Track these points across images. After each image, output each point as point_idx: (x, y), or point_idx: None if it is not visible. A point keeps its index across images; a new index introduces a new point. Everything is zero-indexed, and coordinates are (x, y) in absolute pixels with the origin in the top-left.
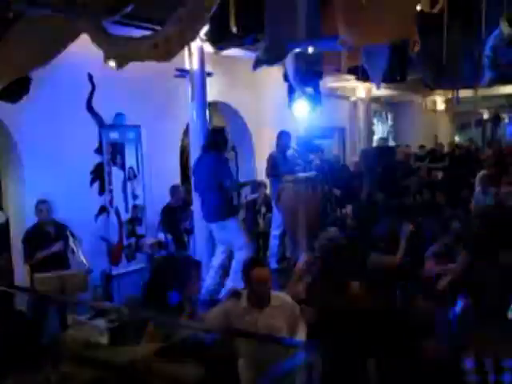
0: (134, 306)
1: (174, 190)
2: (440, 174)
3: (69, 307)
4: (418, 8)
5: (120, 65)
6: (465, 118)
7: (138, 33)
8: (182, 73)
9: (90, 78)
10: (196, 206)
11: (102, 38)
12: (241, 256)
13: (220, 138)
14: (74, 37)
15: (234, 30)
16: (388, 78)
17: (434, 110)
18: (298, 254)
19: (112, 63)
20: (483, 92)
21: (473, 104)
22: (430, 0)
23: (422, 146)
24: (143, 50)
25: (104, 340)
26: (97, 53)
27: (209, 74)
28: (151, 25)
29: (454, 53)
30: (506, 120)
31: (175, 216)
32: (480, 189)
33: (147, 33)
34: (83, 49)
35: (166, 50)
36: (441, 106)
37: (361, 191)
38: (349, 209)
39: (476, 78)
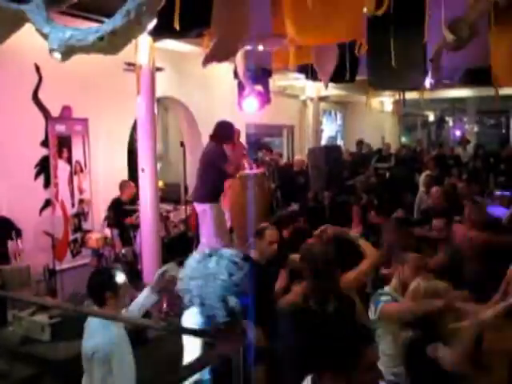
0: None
1: (124, 184)
2: (386, 174)
3: (9, 303)
4: (365, 10)
5: (65, 56)
6: (411, 119)
7: (84, 24)
8: (132, 67)
9: (37, 68)
10: (143, 200)
11: (47, 29)
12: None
13: (222, 130)
14: (18, 25)
15: (177, 25)
16: (337, 78)
17: (382, 111)
18: (245, 250)
19: (57, 55)
20: (429, 95)
21: (419, 106)
22: (375, 2)
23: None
24: (89, 42)
25: (46, 336)
26: (44, 43)
27: (159, 69)
28: (98, 16)
29: (399, 55)
30: (450, 123)
31: (122, 210)
32: (424, 189)
33: (94, 24)
34: (30, 38)
35: (113, 43)
36: (388, 107)
37: (304, 189)
38: (294, 207)
39: (420, 81)
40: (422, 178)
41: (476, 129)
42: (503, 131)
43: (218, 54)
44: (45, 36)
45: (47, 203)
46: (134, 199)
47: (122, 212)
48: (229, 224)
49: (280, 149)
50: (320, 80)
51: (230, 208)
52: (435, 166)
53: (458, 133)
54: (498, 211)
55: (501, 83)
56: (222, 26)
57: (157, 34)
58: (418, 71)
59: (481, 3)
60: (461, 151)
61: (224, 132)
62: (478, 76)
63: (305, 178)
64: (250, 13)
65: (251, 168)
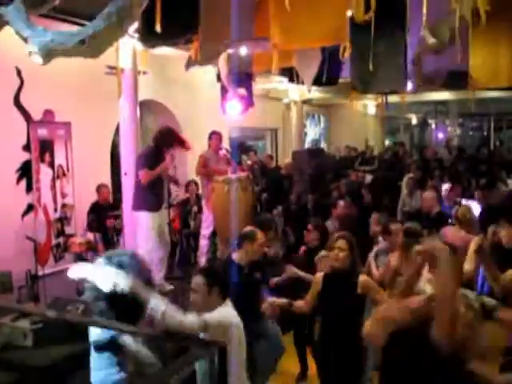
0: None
1: (98, 188)
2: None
3: None
4: (349, 14)
5: (46, 60)
6: (394, 122)
7: (65, 27)
8: (114, 70)
9: (19, 72)
10: (126, 204)
11: (28, 32)
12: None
13: (161, 136)
14: None
15: (159, 29)
16: (320, 81)
17: (365, 114)
18: (229, 254)
19: (37, 58)
20: (411, 98)
21: (401, 109)
22: (362, 7)
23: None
24: (70, 45)
25: (28, 342)
26: (25, 46)
27: (143, 73)
28: (79, 20)
29: (381, 59)
30: (433, 126)
31: (103, 214)
32: (407, 192)
33: (75, 28)
34: (11, 42)
35: (94, 46)
36: (371, 110)
37: (291, 192)
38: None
39: (402, 84)
40: (404, 181)
41: (458, 131)
42: (485, 134)
43: (200, 57)
44: (25, 39)
45: (29, 208)
46: (115, 203)
47: (103, 216)
48: (212, 227)
49: (263, 152)
50: (303, 83)
51: (214, 211)
52: (417, 168)
53: (440, 135)
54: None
55: (479, 86)
56: (205, 30)
57: (150, 43)
58: (400, 74)
59: (461, 7)
60: (446, 154)
61: (162, 138)
62: (459, 79)
63: (291, 181)
64: (234, 16)
65: (235, 171)
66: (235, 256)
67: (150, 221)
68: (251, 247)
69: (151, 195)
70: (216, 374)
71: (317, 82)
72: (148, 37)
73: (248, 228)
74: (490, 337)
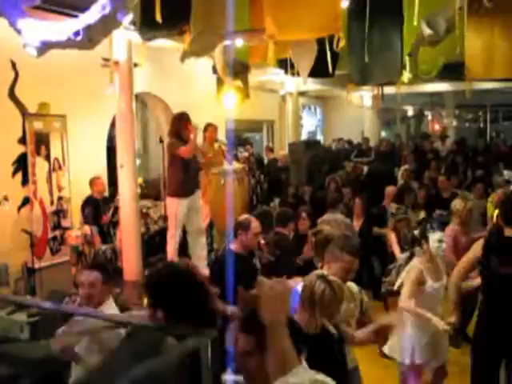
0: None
1: (91, 181)
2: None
3: None
4: (345, 5)
5: (40, 52)
6: (390, 114)
7: (59, 19)
8: (109, 62)
9: (13, 64)
10: (122, 197)
11: (22, 24)
12: None
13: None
14: None
15: (160, 20)
16: (316, 73)
17: (361, 106)
18: (225, 245)
19: (32, 50)
20: (407, 89)
21: (398, 101)
22: None
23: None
24: (64, 37)
25: (25, 335)
26: (20, 38)
27: (137, 65)
28: (73, 11)
29: (376, 49)
30: (429, 117)
31: (98, 208)
32: (403, 183)
33: (69, 19)
34: (6, 34)
35: (88, 38)
36: (367, 101)
37: (288, 184)
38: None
39: (398, 76)
40: (400, 172)
41: (454, 123)
42: (481, 125)
43: (196, 49)
44: (19, 31)
45: (25, 201)
46: (111, 196)
47: (98, 209)
48: (209, 219)
49: (260, 144)
50: (299, 74)
51: (210, 203)
52: (413, 160)
53: (436, 127)
54: None
55: (474, 76)
56: (200, 21)
57: (148, 35)
58: (396, 65)
59: None
60: (440, 145)
61: (177, 120)
62: (455, 70)
63: (288, 173)
64: (229, 7)
65: (231, 163)
66: (232, 246)
67: (175, 207)
68: (246, 236)
69: (179, 181)
70: (208, 366)
71: (313, 73)
72: (146, 29)
73: (243, 216)
74: None
